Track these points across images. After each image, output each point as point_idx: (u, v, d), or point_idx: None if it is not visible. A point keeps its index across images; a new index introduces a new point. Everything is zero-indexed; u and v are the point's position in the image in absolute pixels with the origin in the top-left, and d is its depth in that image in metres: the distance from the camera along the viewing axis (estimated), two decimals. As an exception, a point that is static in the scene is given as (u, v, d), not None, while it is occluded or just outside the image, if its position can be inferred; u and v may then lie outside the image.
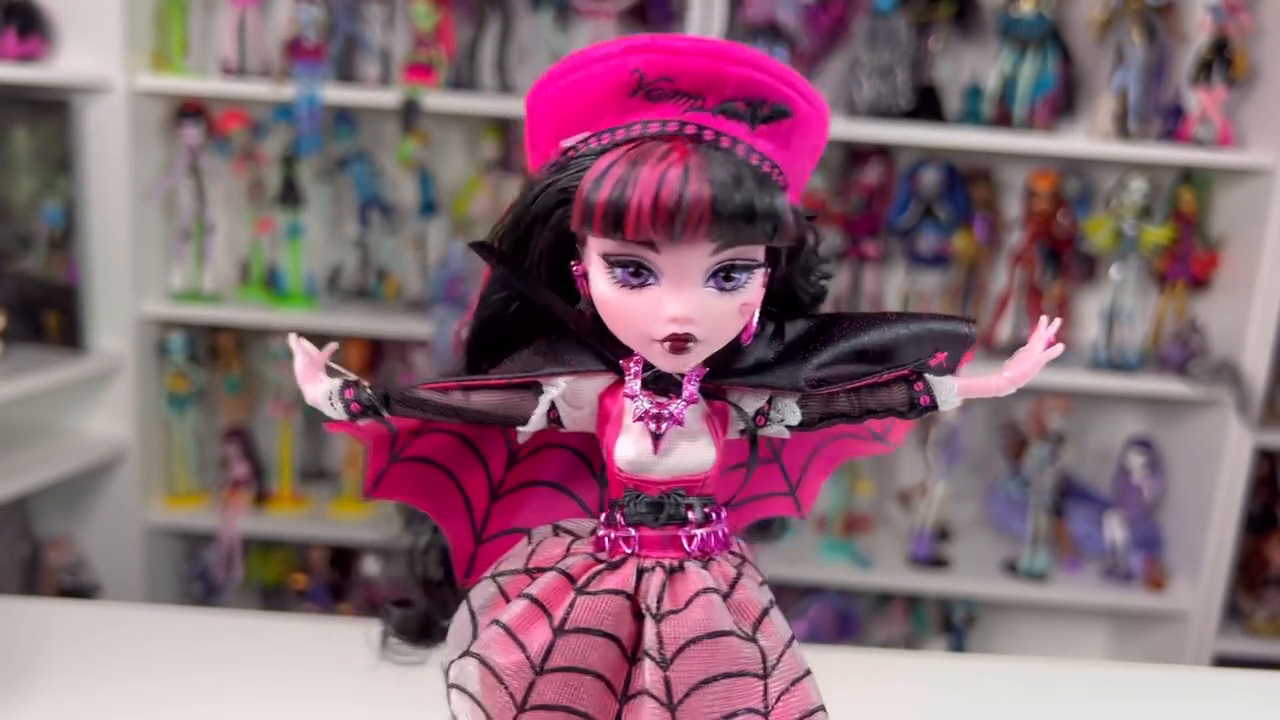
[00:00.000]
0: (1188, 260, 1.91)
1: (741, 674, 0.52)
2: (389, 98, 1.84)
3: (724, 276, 0.51)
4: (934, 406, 0.55)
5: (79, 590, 1.93)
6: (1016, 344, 1.96)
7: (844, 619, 2.06)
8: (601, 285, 0.52)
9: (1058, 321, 0.56)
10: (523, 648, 0.53)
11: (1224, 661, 1.90)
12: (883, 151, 1.97)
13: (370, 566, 2.04)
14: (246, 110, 1.96)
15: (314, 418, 2.10)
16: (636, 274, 0.50)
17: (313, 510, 2.03)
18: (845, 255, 1.98)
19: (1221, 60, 1.81)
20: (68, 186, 1.84)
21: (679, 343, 0.51)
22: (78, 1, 1.80)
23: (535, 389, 0.56)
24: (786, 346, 0.56)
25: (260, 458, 2.05)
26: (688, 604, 0.53)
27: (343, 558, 2.10)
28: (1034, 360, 0.55)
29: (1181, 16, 1.88)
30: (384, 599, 0.70)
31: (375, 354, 2.04)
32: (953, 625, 2.09)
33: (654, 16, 1.92)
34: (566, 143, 0.53)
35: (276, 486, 2.05)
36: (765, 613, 0.55)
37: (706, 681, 0.52)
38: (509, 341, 0.59)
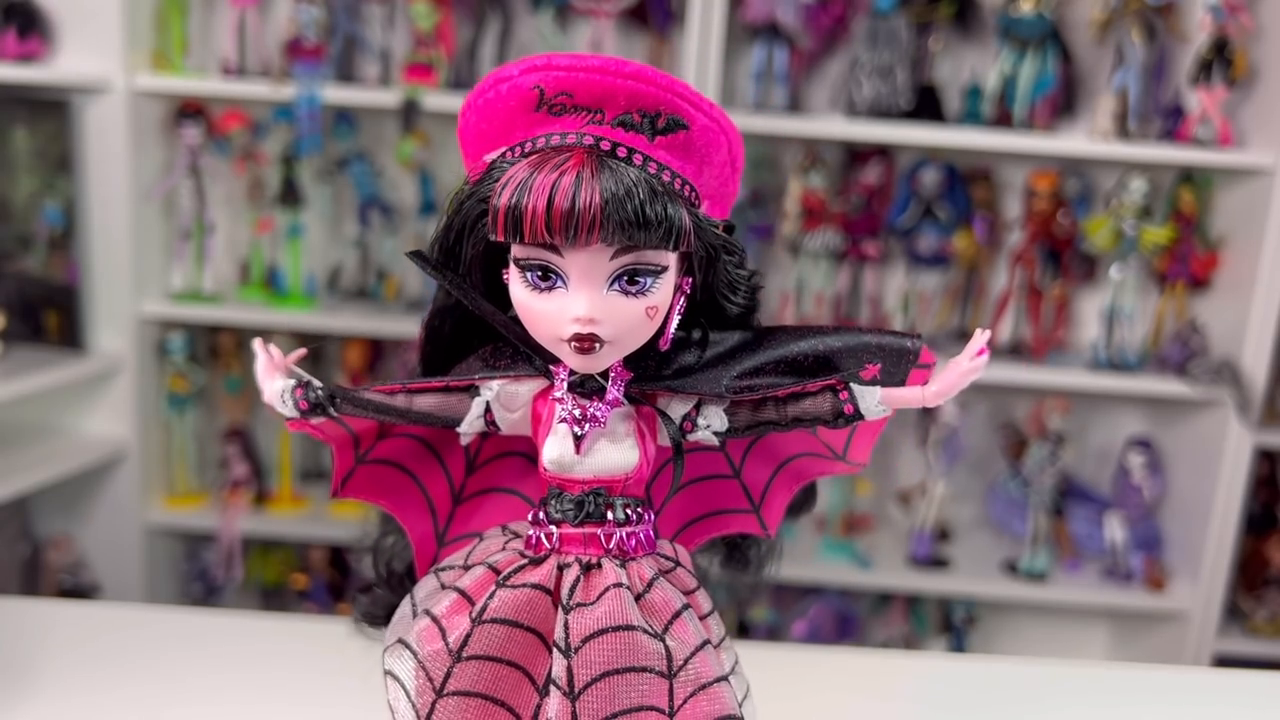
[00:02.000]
0: (1188, 260, 1.91)
1: (644, 669, 0.53)
2: (389, 98, 1.84)
3: (628, 280, 0.53)
4: (858, 415, 0.56)
5: (79, 590, 1.93)
6: (1017, 345, 1.96)
7: (844, 619, 2.06)
8: (517, 289, 0.55)
9: (988, 333, 0.56)
10: (444, 635, 0.55)
11: (1224, 661, 1.90)
12: (883, 151, 1.97)
13: (370, 566, 2.04)
14: (246, 110, 1.96)
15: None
16: (545, 277, 0.53)
17: (313, 510, 2.03)
18: (845, 255, 1.98)
19: (1221, 60, 1.81)
20: (68, 186, 1.84)
21: (584, 343, 0.53)
22: (78, 1, 1.80)
23: (473, 392, 0.59)
24: (715, 355, 0.59)
25: (260, 458, 2.05)
26: (598, 598, 0.55)
27: (343, 558, 2.10)
28: (959, 372, 0.56)
29: (1181, 16, 1.88)
30: (351, 587, 0.73)
31: (375, 354, 2.04)
32: (953, 625, 2.09)
33: (654, 16, 1.92)
34: (488, 157, 0.57)
35: (276, 486, 2.05)
36: (677, 615, 0.56)
37: (608, 674, 0.53)
38: (460, 349, 0.62)
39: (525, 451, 0.66)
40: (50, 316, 1.90)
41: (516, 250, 0.54)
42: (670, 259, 0.54)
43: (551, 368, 0.58)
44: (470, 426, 0.59)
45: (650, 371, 0.58)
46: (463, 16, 1.95)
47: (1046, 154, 1.93)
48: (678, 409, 0.58)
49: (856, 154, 1.98)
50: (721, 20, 1.76)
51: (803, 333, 0.59)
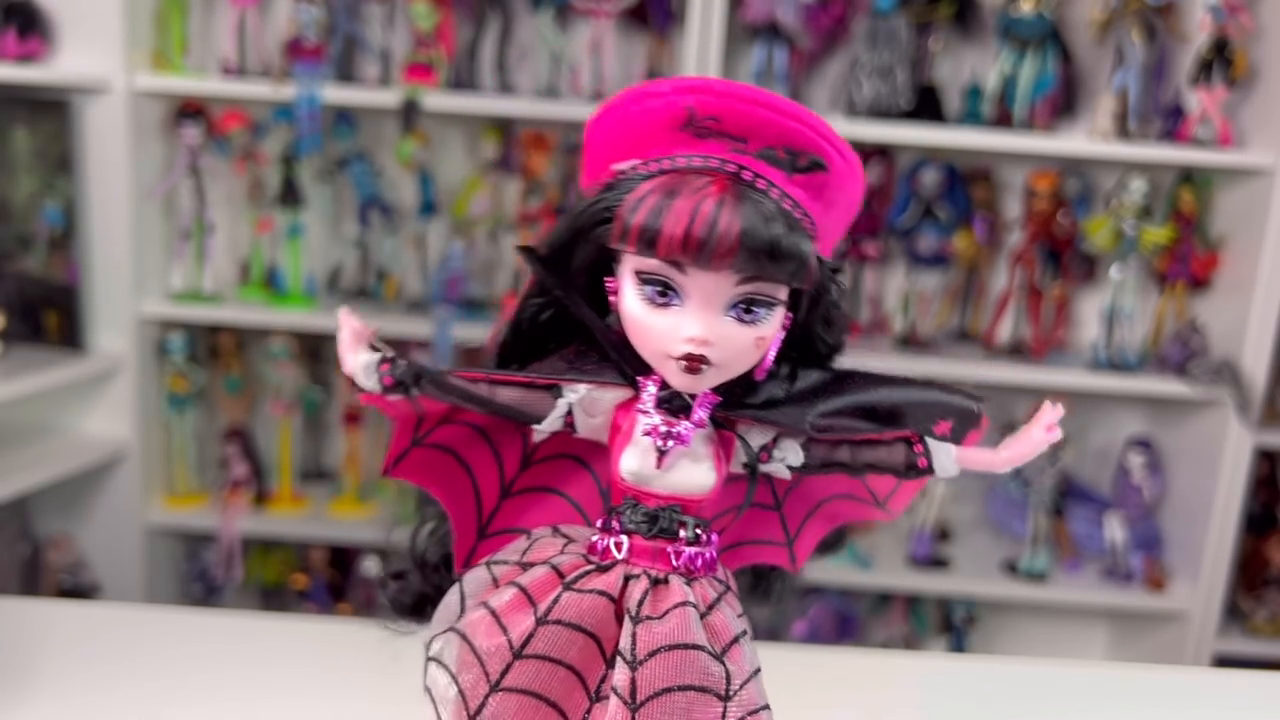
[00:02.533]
0: (1188, 260, 1.91)
1: (705, 690, 0.54)
2: (389, 98, 1.84)
3: (745, 308, 0.54)
4: (930, 471, 0.57)
5: (79, 590, 1.93)
6: (1016, 345, 1.96)
7: (844, 619, 2.06)
8: (630, 300, 0.55)
9: (1060, 408, 0.57)
10: (506, 632, 0.55)
11: (1224, 661, 1.90)
12: (883, 151, 1.97)
13: (370, 566, 2.05)
14: (246, 110, 1.96)
15: (314, 418, 2.10)
16: (663, 293, 0.54)
17: (313, 510, 2.03)
18: (845, 255, 1.98)
19: (1221, 60, 1.81)
20: (68, 186, 1.84)
21: (693, 363, 0.54)
22: (78, 1, 1.80)
23: (556, 392, 0.59)
24: (799, 391, 0.60)
25: (260, 458, 2.05)
26: (666, 613, 0.55)
27: (343, 558, 2.10)
28: (1032, 444, 0.57)
29: (1181, 16, 1.88)
30: (382, 573, 0.72)
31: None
32: (953, 625, 2.09)
33: (654, 16, 1.92)
34: (618, 166, 0.57)
35: (276, 486, 2.05)
36: (736, 640, 0.57)
37: (670, 690, 0.53)
38: (540, 346, 0.63)
39: (581, 456, 0.66)
40: (50, 316, 1.90)
41: (638, 263, 0.54)
42: (784, 293, 0.55)
43: (639, 379, 0.58)
44: (550, 426, 0.59)
45: (736, 398, 0.58)
46: (463, 16, 1.95)
47: (1046, 154, 1.93)
48: (757, 438, 0.59)
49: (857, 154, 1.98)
50: (721, 20, 1.76)
51: (881, 381, 0.60)
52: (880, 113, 1.85)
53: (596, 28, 1.91)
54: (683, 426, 0.57)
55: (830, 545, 0.71)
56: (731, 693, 0.55)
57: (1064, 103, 1.90)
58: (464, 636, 0.56)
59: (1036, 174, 1.93)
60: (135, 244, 1.86)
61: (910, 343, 1.96)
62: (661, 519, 0.57)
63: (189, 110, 1.89)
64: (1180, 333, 1.93)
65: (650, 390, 0.57)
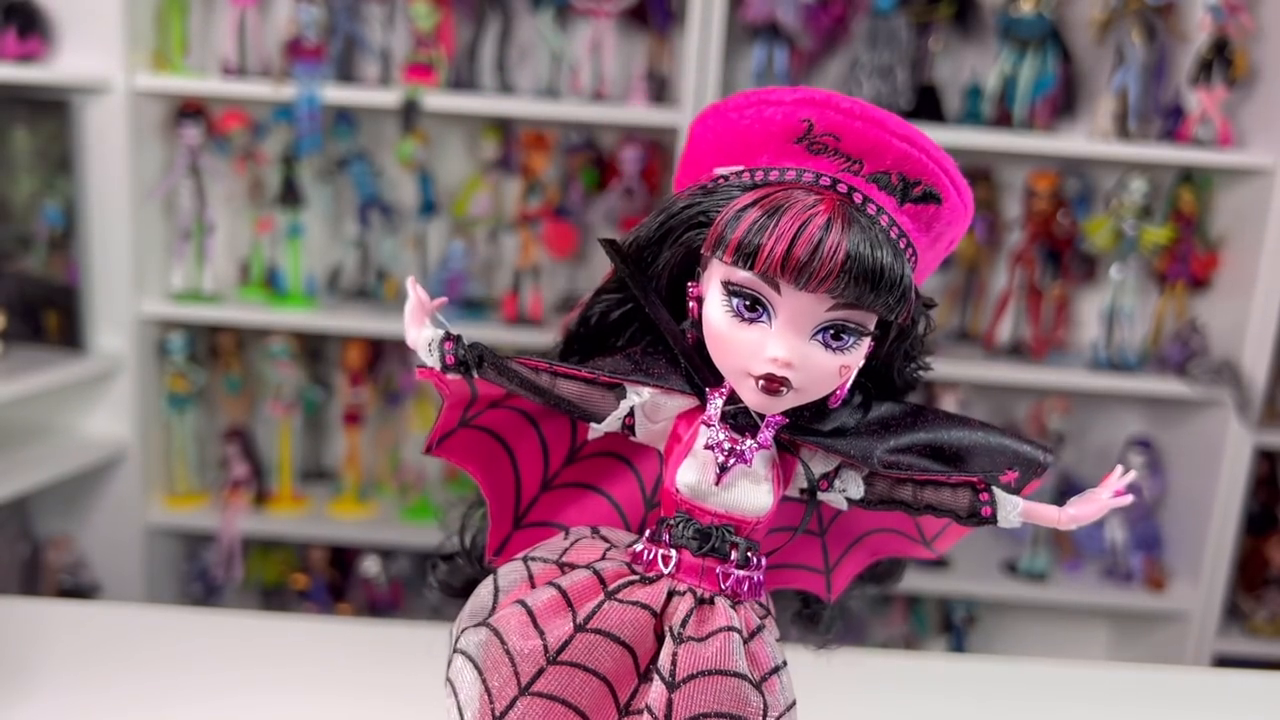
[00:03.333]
0: (1188, 260, 1.91)
1: (743, 718, 0.53)
2: (389, 98, 1.84)
3: (833, 334, 0.52)
4: (993, 520, 0.55)
5: (79, 590, 1.93)
6: (1016, 344, 1.96)
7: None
8: (715, 311, 0.53)
9: (1131, 474, 0.56)
10: (542, 635, 0.54)
11: (1224, 661, 1.90)
12: (883, 151, 1.96)
13: (370, 566, 2.05)
14: (246, 110, 1.96)
15: (314, 418, 2.10)
16: (752, 308, 0.52)
17: (313, 510, 2.03)
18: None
19: (1221, 60, 1.81)
20: (68, 186, 1.84)
21: (773, 384, 0.52)
22: (78, 1, 1.80)
23: (619, 392, 0.57)
24: (869, 422, 0.58)
25: (260, 458, 2.05)
26: (709, 636, 0.54)
27: (343, 558, 2.10)
28: (1099, 506, 0.55)
29: (1181, 16, 1.88)
30: (432, 553, 0.70)
31: (375, 354, 2.04)
32: (953, 625, 2.09)
33: (654, 16, 1.92)
34: (720, 171, 0.55)
35: (276, 486, 2.05)
36: (775, 671, 0.55)
37: (707, 715, 0.52)
38: (607, 342, 0.61)
39: (627, 456, 0.65)
40: (50, 316, 1.90)
41: (729, 274, 0.52)
42: (873, 322, 0.53)
43: (707, 390, 0.56)
44: (609, 426, 0.58)
45: (805, 422, 0.56)
46: (463, 16, 1.95)
47: (1046, 154, 1.93)
48: (820, 465, 0.57)
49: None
50: (721, 20, 1.76)
51: (953, 421, 0.58)
52: (880, 113, 1.85)
53: (596, 28, 1.91)
54: (747, 445, 0.55)
55: (883, 578, 0.70)
56: None
57: (1064, 103, 1.90)
58: (496, 633, 0.55)
59: (1036, 174, 1.93)
60: (135, 244, 1.86)
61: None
62: (714, 537, 0.55)
63: (189, 110, 1.89)
64: (1180, 333, 1.93)
65: (717, 403, 0.55)
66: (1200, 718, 0.93)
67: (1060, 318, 1.98)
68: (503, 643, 0.54)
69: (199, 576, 2.06)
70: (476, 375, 0.57)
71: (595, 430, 0.59)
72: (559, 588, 0.55)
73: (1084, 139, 1.88)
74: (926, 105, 1.89)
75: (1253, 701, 0.97)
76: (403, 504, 2.05)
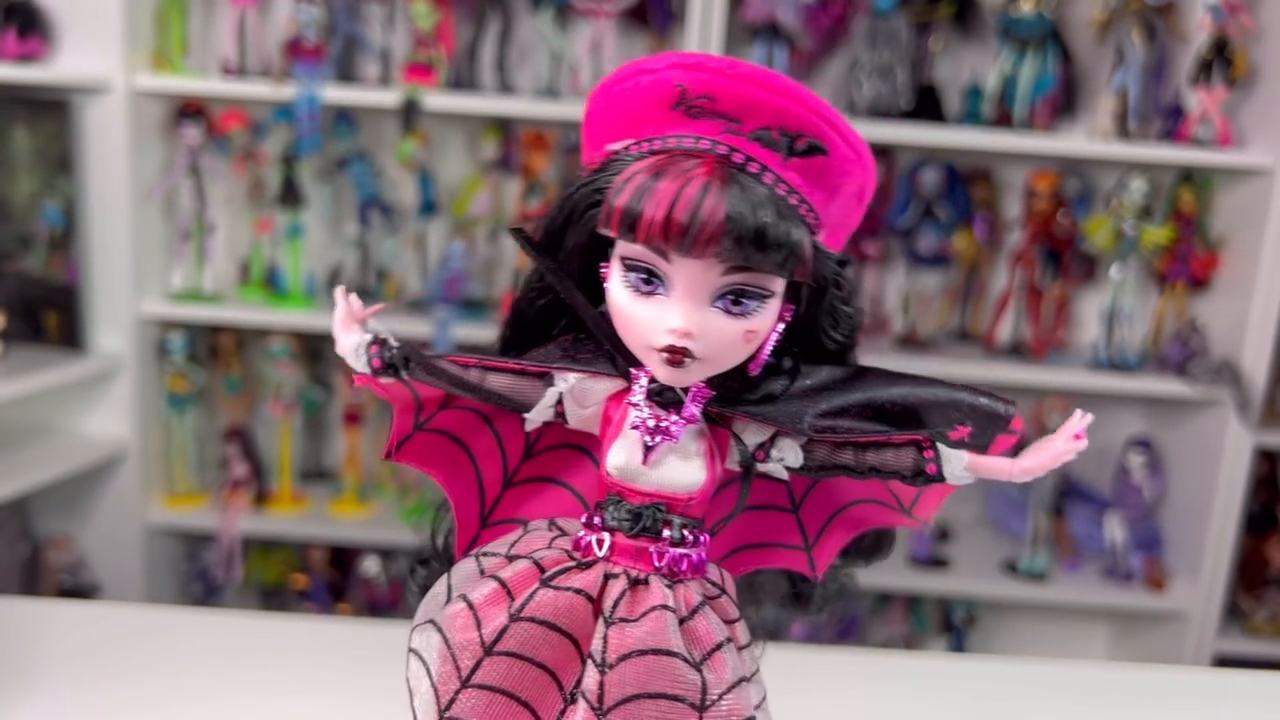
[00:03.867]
0: (1188, 260, 1.91)
1: (677, 698, 0.52)
2: (389, 98, 1.84)
3: (733, 299, 0.51)
4: (940, 478, 0.54)
5: (79, 590, 1.93)
6: (1016, 344, 1.96)
7: (844, 619, 2.06)
8: (615, 288, 0.53)
9: (1089, 417, 0.54)
10: (479, 626, 0.54)
11: (1224, 661, 1.90)
12: (883, 151, 1.97)
13: (370, 566, 2.05)
14: (246, 110, 1.96)
15: (314, 418, 2.10)
16: (648, 281, 0.52)
17: (313, 510, 2.03)
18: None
19: (1221, 60, 1.81)
20: (68, 186, 1.84)
21: (676, 355, 0.51)
22: (78, 1, 1.80)
23: (548, 380, 0.57)
24: (802, 388, 0.57)
25: (260, 458, 2.05)
26: (641, 616, 0.53)
27: (343, 558, 2.10)
28: (1054, 453, 0.53)
29: (1181, 16, 1.88)
30: (410, 556, 0.70)
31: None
32: (953, 625, 2.09)
33: (654, 16, 1.92)
34: (611, 147, 0.55)
35: (276, 486, 2.05)
36: (719, 647, 0.54)
37: (640, 696, 0.51)
38: (544, 334, 0.61)
39: (587, 447, 0.64)
40: (50, 316, 1.90)
41: (624, 248, 0.52)
42: (779, 285, 0.52)
43: (632, 371, 0.56)
44: (539, 415, 0.58)
45: (733, 393, 0.56)
46: (463, 16, 1.95)
47: (1046, 154, 1.93)
48: (753, 436, 0.56)
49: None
50: (721, 20, 1.76)
51: (895, 379, 0.57)
52: (880, 113, 1.85)
53: (596, 28, 1.91)
54: (672, 421, 0.54)
55: (870, 552, 0.68)
56: (708, 703, 0.52)
57: (1064, 103, 1.90)
58: (439, 629, 0.55)
59: (1036, 174, 1.93)
60: (135, 244, 1.86)
61: (910, 343, 1.96)
62: (645, 517, 0.55)
63: (189, 110, 1.89)
64: (1180, 333, 1.93)
65: (642, 382, 0.55)
66: (1200, 718, 0.93)
67: (1060, 318, 1.98)
68: (445, 638, 0.54)
69: (199, 576, 2.06)
70: (406, 376, 0.57)
71: (530, 421, 0.59)
72: (499, 579, 0.55)
73: (1084, 139, 1.88)
74: (926, 105, 1.89)
75: (1253, 701, 0.97)
76: (402, 504, 2.05)
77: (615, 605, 0.53)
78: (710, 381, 0.55)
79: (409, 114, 1.84)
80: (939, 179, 1.92)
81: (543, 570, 0.55)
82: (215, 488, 2.04)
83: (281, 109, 1.88)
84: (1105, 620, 2.16)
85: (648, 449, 0.55)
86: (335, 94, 1.85)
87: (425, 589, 0.66)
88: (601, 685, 0.52)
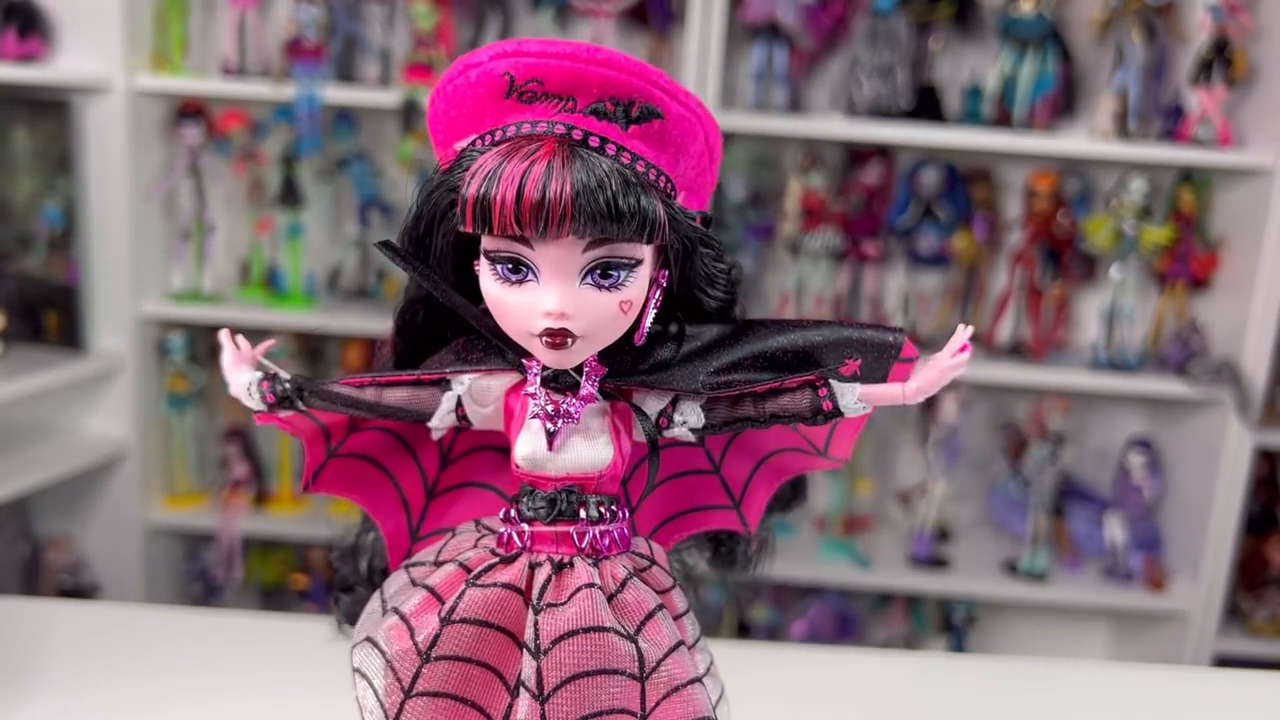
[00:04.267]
0: (1188, 260, 1.91)
1: (616, 672, 0.52)
2: (389, 98, 1.84)
3: (600, 273, 0.52)
4: (837, 413, 0.55)
5: (79, 590, 1.93)
6: (1017, 345, 1.96)
7: (844, 619, 2.06)
8: (488, 282, 0.53)
9: (970, 329, 0.54)
10: (413, 635, 0.54)
11: (1224, 661, 1.90)
12: (883, 151, 1.97)
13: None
14: (246, 110, 1.96)
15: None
16: (515, 270, 0.52)
17: (313, 510, 2.03)
18: (845, 255, 1.98)
19: (1221, 60, 1.81)
20: (68, 186, 1.84)
21: (556, 338, 0.52)
22: (78, 1, 1.80)
23: (444, 386, 0.58)
24: (692, 350, 0.57)
25: (260, 458, 2.05)
26: (569, 599, 0.54)
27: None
28: (940, 369, 0.54)
29: (1181, 16, 1.88)
30: (333, 590, 0.71)
31: (375, 354, 2.04)
32: (953, 625, 2.09)
33: (654, 16, 1.92)
34: (458, 145, 0.55)
35: (276, 486, 2.05)
36: (650, 615, 0.55)
37: (579, 676, 0.52)
38: (433, 342, 0.61)
39: (500, 446, 0.64)
40: (50, 316, 1.90)
41: (487, 242, 0.52)
42: (645, 252, 0.53)
43: (524, 361, 0.56)
44: (441, 421, 0.58)
45: (625, 366, 0.57)
46: (463, 16, 1.95)
47: (1046, 154, 1.93)
48: (653, 405, 0.57)
49: (856, 154, 1.98)
50: (721, 20, 1.76)
51: (782, 327, 0.58)
52: (880, 113, 1.85)
53: (596, 28, 1.91)
54: (569, 403, 0.55)
55: (789, 501, 0.69)
56: (648, 671, 0.53)
57: (1064, 103, 1.90)
58: (375, 644, 0.55)
59: (1036, 174, 1.93)
60: (135, 244, 1.86)
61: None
62: (559, 502, 0.55)
63: (189, 110, 1.89)
64: (1180, 333, 1.93)
65: (535, 371, 0.56)
66: (1200, 718, 0.93)
67: (1060, 318, 1.98)
68: (381, 652, 0.54)
69: (199, 576, 2.06)
70: (303, 406, 0.57)
71: (434, 430, 0.59)
72: (428, 586, 0.55)
73: (1084, 139, 1.88)
74: (926, 105, 1.89)
75: (1253, 701, 0.97)
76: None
77: (542, 592, 0.54)
78: (602, 358, 0.56)
79: (409, 114, 1.84)
80: (939, 179, 1.92)
81: (469, 570, 0.56)
82: (215, 488, 2.04)
83: (281, 109, 1.88)
84: (1105, 620, 2.16)
85: (551, 435, 0.55)
86: (335, 94, 1.85)
87: (351, 617, 0.68)
88: (539, 671, 0.52)
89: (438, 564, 0.58)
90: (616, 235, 0.50)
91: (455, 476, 0.65)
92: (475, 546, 0.58)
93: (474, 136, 0.54)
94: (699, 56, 1.77)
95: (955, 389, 1.91)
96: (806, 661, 1.01)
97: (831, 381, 0.55)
